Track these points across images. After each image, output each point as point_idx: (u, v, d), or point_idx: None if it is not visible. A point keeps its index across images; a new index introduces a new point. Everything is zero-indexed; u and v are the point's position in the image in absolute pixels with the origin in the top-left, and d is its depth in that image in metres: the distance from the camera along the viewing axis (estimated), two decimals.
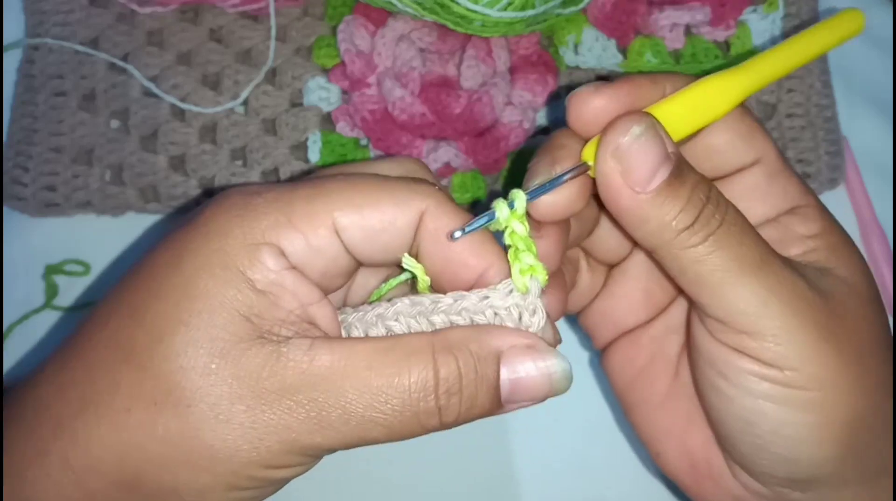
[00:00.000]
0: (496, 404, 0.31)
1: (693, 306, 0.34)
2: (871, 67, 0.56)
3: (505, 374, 0.31)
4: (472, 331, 0.31)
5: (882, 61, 0.56)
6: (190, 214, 0.33)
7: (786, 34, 0.53)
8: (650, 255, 0.33)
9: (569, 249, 0.39)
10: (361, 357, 0.30)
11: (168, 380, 0.29)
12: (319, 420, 0.29)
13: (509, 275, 0.32)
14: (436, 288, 0.34)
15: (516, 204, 0.32)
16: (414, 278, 0.34)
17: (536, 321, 0.32)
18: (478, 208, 0.51)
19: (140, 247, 0.52)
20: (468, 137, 0.50)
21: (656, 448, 0.39)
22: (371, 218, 0.31)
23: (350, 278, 0.34)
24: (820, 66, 0.53)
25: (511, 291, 0.31)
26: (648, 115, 0.31)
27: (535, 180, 0.33)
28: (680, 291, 0.38)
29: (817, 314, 0.32)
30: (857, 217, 0.53)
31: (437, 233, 0.32)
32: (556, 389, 0.31)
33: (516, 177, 0.51)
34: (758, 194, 0.35)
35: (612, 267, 0.40)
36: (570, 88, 0.53)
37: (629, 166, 0.31)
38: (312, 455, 0.31)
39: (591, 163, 0.32)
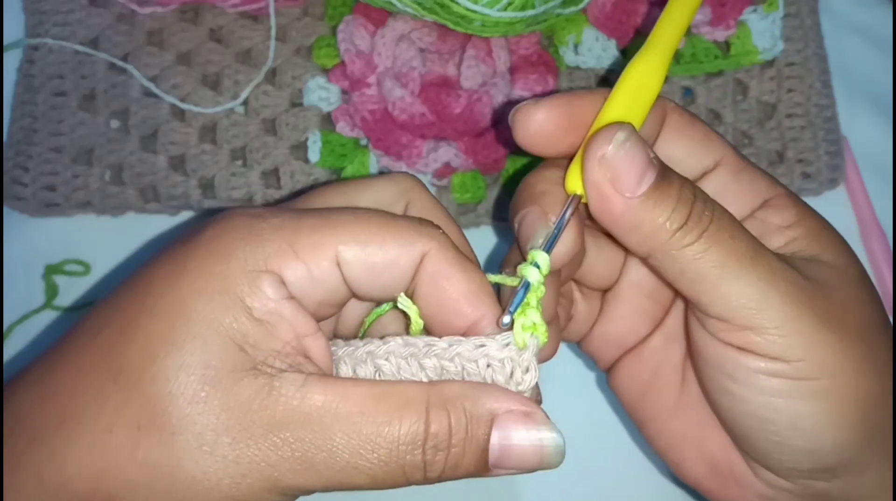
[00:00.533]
0: (483, 466, 0.30)
1: (692, 310, 0.34)
2: (871, 66, 0.56)
3: (496, 438, 0.30)
4: (470, 388, 0.31)
5: (882, 61, 0.56)
6: (191, 230, 0.32)
7: (786, 34, 0.53)
8: (645, 262, 0.34)
9: (564, 284, 0.39)
10: (354, 401, 0.29)
11: (155, 404, 0.28)
12: (304, 461, 0.29)
13: (499, 326, 0.31)
14: (427, 330, 0.33)
15: (541, 263, 0.32)
16: (407, 318, 0.33)
17: (528, 379, 0.31)
18: (479, 208, 0.51)
19: (142, 250, 0.52)
20: (468, 137, 0.50)
21: (674, 459, 0.39)
22: (374, 256, 0.31)
23: (342, 308, 0.34)
24: (820, 66, 0.53)
25: (508, 344, 0.31)
26: (626, 123, 0.32)
27: (539, 237, 0.33)
28: (678, 295, 0.38)
29: (815, 302, 0.32)
30: (857, 217, 0.53)
31: (433, 277, 0.32)
32: (547, 462, 0.31)
33: (517, 179, 0.51)
34: (727, 195, 0.35)
35: (605, 292, 0.40)
36: (570, 88, 0.53)
37: (617, 173, 0.31)
38: (291, 495, 0.30)
39: (580, 192, 0.32)
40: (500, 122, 0.50)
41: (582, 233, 0.34)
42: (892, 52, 0.56)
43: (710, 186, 0.36)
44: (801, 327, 0.32)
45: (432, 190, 0.51)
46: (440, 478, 0.30)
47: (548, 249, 0.32)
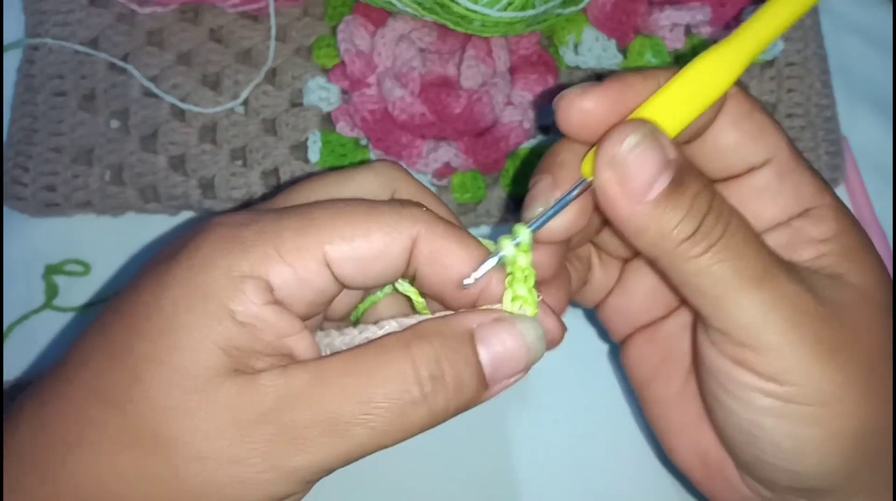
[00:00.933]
0: (482, 384, 0.30)
1: (696, 315, 0.34)
2: (871, 66, 0.56)
3: (483, 351, 0.30)
4: (440, 319, 0.31)
5: (882, 61, 0.56)
6: (172, 243, 0.32)
7: (786, 34, 0.53)
8: (652, 264, 0.33)
9: (578, 247, 0.38)
10: (335, 366, 0.29)
11: (145, 422, 0.28)
12: (303, 440, 0.28)
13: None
14: (441, 305, 0.34)
15: (523, 239, 0.32)
16: (408, 299, 0.34)
17: None
18: (479, 208, 0.51)
19: (143, 250, 0.52)
20: (468, 137, 0.50)
21: (670, 444, 0.39)
22: (362, 249, 0.30)
23: (331, 303, 0.34)
24: (820, 66, 0.53)
25: None
26: (646, 122, 0.31)
27: (536, 208, 0.32)
28: (683, 300, 0.38)
29: (822, 328, 0.31)
30: (857, 217, 0.53)
31: (432, 257, 0.31)
32: (534, 354, 0.31)
33: (517, 179, 0.51)
34: (769, 196, 0.34)
35: (625, 262, 0.40)
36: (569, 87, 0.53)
37: (626, 176, 0.30)
38: (301, 480, 0.29)
39: (590, 179, 0.32)
40: (500, 121, 0.50)
41: (588, 212, 0.33)
42: (892, 52, 0.56)
43: (753, 184, 0.35)
44: (800, 353, 0.31)
45: (432, 190, 0.51)
46: (446, 410, 0.30)
47: (537, 226, 0.32)
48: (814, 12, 0.54)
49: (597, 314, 0.42)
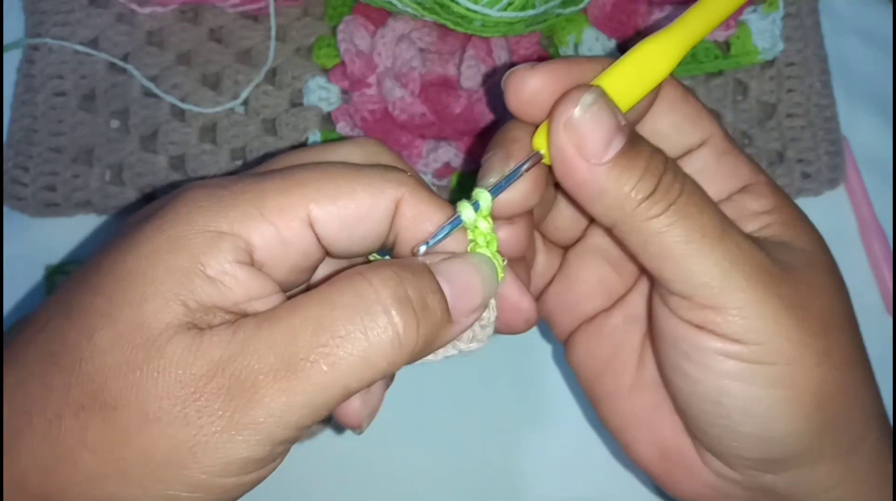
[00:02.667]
0: (447, 313, 0.29)
1: (655, 286, 0.34)
2: (871, 66, 0.56)
3: (442, 282, 0.29)
4: (396, 260, 0.30)
5: (882, 61, 0.56)
6: (150, 206, 0.30)
7: (786, 34, 0.53)
8: (610, 233, 0.33)
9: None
10: (284, 306, 0.27)
11: (94, 381, 0.26)
12: (255, 389, 0.26)
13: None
14: None
15: (481, 204, 0.31)
16: None
17: (487, 316, 0.32)
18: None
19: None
20: (468, 137, 0.50)
21: (625, 439, 0.38)
22: (347, 208, 0.30)
23: (313, 272, 0.33)
24: (820, 66, 0.53)
25: None
26: (597, 86, 0.31)
27: (491, 177, 0.32)
28: (642, 273, 0.38)
29: (780, 286, 0.32)
30: (857, 217, 0.53)
31: (415, 221, 0.31)
32: (489, 285, 0.31)
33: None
34: (708, 175, 0.35)
35: (566, 250, 0.40)
36: None
37: (582, 138, 0.30)
38: (266, 440, 0.27)
39: (543, 151, 0.32)
40: (492, 90, 0.50)
41: (542, 185, 0.33)
42: (892, 52, 0.56)
43: (692, 165, 0.35)
44: (762, 310, 0.31)
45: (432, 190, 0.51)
46: (415, 338, 0.28)
47: (496, 191, 0.32)
48: (814, 12, 0.54)
49: (539, 308, 0.41)
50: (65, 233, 0.52)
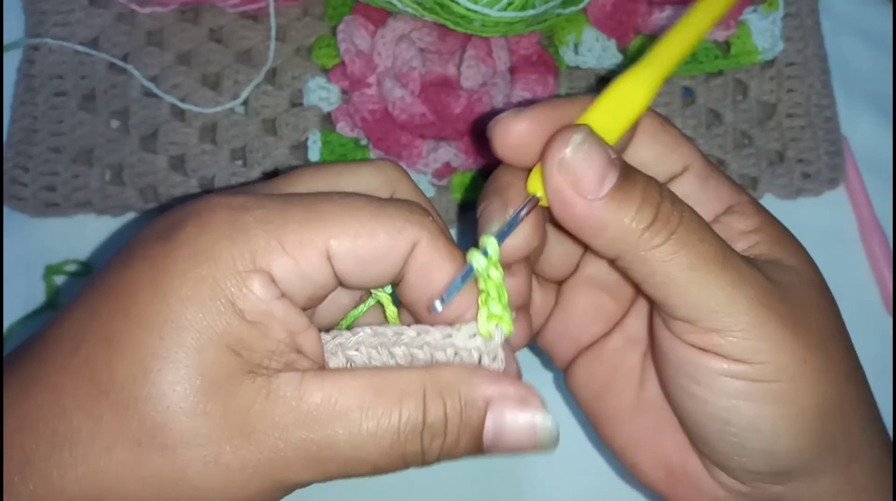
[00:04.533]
0: (477, 448, 0.31)
1: (657, 311, 0.34)
2: (871, 66, 0.56)
3: (490, 423, 0.30)
4: (465, 373, 0.31)
5: (882, 61, 0.56)
6: (166, 221, 0.31)
7: (786, 34, 0.53)
8: (613, 265, 0.33)
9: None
10: (352, 396, 0.29)
11: (154, 420, 0.28)
12: (307, 460, 0.29)
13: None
14: (414, 318, 0.34)
15: (490, 251, 0.31)
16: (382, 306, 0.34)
17: (496, 368, 0.32)
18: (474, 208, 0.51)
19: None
20: (468, 137, 0.50)
21: (630, 460, 0.39)
22: (365, 247, 0.30)
23: (323, 300, 0.33)
24: (820, 66, 0.53)
25: (474, 334, 0.31)
26: (583, 125, 0.32)
27: (494, 225, 0.33)
28: (639, 295, 0.38)
29: (780, 306, 0.32)
30: (857, 217, 0.53)
31: (426, 268, 0.31)
32: (541, 447, 0.31)
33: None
34: (693, 200, 0.35)
35: (560, 284, 0.40)
36: (570, 88, 0.53)
37: (577, 176, 0.31)
38: (288, 490, 0.30)
39: (540, 194, 0.32)
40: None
41: (541, 228, 0.34)
42: (892, 52, 0.56)
43: (676, 191, 0.35)
44: (765, 331, 0.32)
45: (432, 190, 0.51)
46: (438, 460, 0.31)
47: (500, 238, 0.32)
48: (814, 12, 0.54)
49: (538, 342, 0.41)
50: (65, 233, 0.52)
